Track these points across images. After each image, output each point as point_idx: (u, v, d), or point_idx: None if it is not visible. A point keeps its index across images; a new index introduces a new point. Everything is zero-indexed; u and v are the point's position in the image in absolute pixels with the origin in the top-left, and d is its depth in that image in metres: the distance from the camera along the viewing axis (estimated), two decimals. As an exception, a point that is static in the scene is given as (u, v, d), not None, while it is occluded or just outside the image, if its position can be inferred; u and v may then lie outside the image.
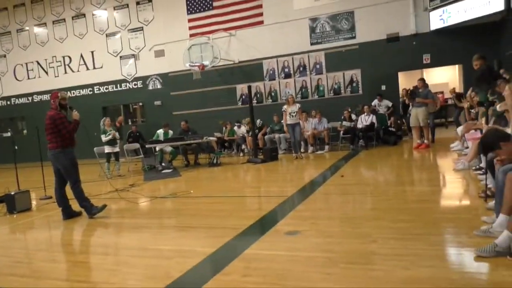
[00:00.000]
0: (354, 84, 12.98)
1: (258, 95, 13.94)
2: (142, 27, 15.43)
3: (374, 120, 10.93)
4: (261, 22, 13.79)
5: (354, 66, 12.88)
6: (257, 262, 3.55)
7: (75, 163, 5.81)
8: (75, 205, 6.00)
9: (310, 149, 11.51)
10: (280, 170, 9.10)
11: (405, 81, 13.95)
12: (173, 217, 5.54)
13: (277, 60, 13.70)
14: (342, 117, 11.73)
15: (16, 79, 18.02)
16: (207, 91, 14.50)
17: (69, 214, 5.93)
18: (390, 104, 12.11)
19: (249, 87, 10.79)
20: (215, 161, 10.47)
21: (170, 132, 11.48)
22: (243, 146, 12.55)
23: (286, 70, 13.63)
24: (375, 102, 12.07)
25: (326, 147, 11.43)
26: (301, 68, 13.48)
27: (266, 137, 12.02)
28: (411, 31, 12.16)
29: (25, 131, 17.93)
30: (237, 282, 3.17)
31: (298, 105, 10.27)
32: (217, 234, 4.48)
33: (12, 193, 6.76)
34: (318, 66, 13.30)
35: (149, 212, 6.06)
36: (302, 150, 11.15)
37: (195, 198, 6.65)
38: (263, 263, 3.50)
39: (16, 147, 16.47)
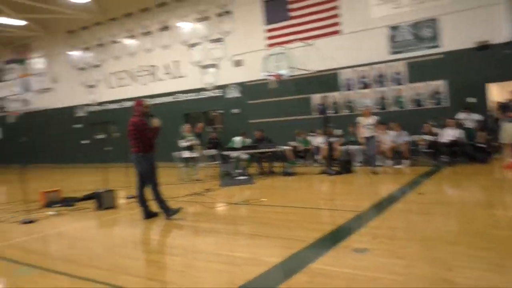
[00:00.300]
0: (438, 96, 12.26)
1: (334, 105, 13.73)
2: (222, 38, 16.00)
3: (460, 135, 10.21)
4: (338, 32, 13.60)
5: (438, 76, 12.16)
6: (321, 277, 3.50)
7: (154, 167, 6.18)
8: (154, 206, 6.37)
9: (388, 163, 11.06)
10: (355, 183, 8.87)
11: (496, 93, 12.88)
12: (245, 224, 5.65)
13: (354, 70, 13.41)
14: (423, 131, 11.13)
15: (109, 86, 19.63)
16: (282, 101, 14.60)
17: (148, 213, 6.31)
18: (479, 117, 11.23)
19: (324, 97, 10.67)
20: (288, 170, 10.48)
21: (248, 140, 11.72)
22: (317, 157, 12.41)
23: (364, 80, 13.28)
24: (462, 115, 11.28)
25: (406, 161, 10.91)
26: (379, 79, 13.05)
27: (342, 148, 11.78)
28: (504, 39, 11.21)
29: (114, 134, 19.40)
30: (299, 295, 3.15)
31: (375, 117, 10.03)
32: (285, 245, 4.50)
33: (100, 191, 7.36)
34: (398, 76, 12.78)
35: (222, 217, 6.24)
36: (378, 163, 10.77)
37: (267, 207, 6.73)
38: (326, 279, 3.45)
39: (108, 149, 18.00)
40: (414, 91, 12.55)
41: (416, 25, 12.37)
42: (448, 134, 10.47)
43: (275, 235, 4.98)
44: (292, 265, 3.88)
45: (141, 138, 6.04)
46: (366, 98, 13.23)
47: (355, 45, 13.23)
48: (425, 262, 3.70)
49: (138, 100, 6.32)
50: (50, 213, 7.11)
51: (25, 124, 23.01)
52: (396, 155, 11.37)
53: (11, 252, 4.88)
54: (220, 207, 6.97)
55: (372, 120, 9.87)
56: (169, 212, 6.16)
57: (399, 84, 12.74)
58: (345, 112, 13.55)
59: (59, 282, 3.77)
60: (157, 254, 4.61)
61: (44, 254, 4.78)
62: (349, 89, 13.52)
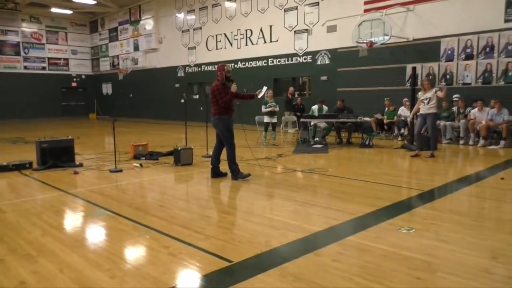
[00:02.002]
0: (556, 71, 10.74)
1: (431, 77, 12.79)
2: (318, 2, 15.62)
3: None
4: (445, -5, 12.43)
5: (559, 48, 10.62)
6: (353, 250, 3.54)
7: (230, 129, 6.50)
8: (224, 167, 6.79)
9: (481, 142, 10.16)
10: (432, 161, 8.36)
11: None
12: (301, 191, 5.77)
13: (458, 39, 12.23)
14: (530, 110, 9.96)
15: (207, 49, 20.54)
16: (375, 69, 13.99)
17: (216, 173, 6.75)
18: None
19: (414, 68, 10.02)
20: (367, 142, 10.23)
21: (325, 108, 11.61)
22: (403, 130, 11.84)
23: (468, 50, 12.08)
24: None
25: (502, 142, 9.92)
26: (487, 49, 11.75)
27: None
28: None
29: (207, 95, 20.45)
30: (323, 264, 3.25)
31: (435, 89, 8.58)
32: (332, 216, 4.55)
33: (179, 148, 8.00)
34: (510, 47, 11.40)
35: (283, 183, 6.42)
36: (471, 142, 10.01)
37: (329, 177, 6.75)
38: (357, 253, 3.48)
39: (201, 108, 19.07)
40: (526, 65, 11.15)
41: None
42: (560, 116, 9.22)
43: (327, 205, 5.03)
44: (330, 236, 3.95)
45: (217, 102, 6.38)
46: (468, 70, 12.11)
47: (463, 11, 12.03)
48: (470, 249, 3.51)
49: (221, 64, 6.60)
50: (135, 164, 7.95)
51: (131, 81, 25.29)
52: (494, 134, 10.39)
53: (94, 196, 5.66)
54: (285, 173, 7.15)
55: (430, 93, 8.49)
56: (237, 175, 6.51)
57: (510, 56, 11.38)
58: (442, 84, 12.56)
59: (123, 226, 4.33)
60: (212, 210, 4.98)
61: (119, 200, 5.44)
62: (450, 60, 12.46)
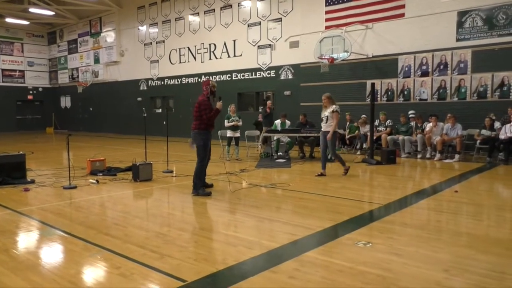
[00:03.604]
0: (505, 88, 11.34)
1: (389, 93, 13.22)
2: (281, 18, 15.90)
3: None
4: (402, 15, 12.94)
5: (508, 67, 11.23)
6: (309, 266, 3.52)
7: (206, 145, 6.57)
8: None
9: (438, 156, 10.54)
10: (391, 175, 8.57)
11: None
12: (259, 206, 5.74)
13: (414, 56, 12.74)
14: (482, 125, 10.43)
15: (171, 62, 20.39)
16: (336, 85, 14.29)
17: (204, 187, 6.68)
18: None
19: (373, 84, 10.33)
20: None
21: (288, 122, 11.73)
22: (364, 145, 12.11)
23: (424, 67, 12.59)
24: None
25: (457, 156, 10.32)
26: (441, 66, 12.30)
27: (389, 138, 11.40)
28: None
29: (171, 109, 20.20)
30: (279, 282, 3.22)
31: (333, 107, 8.15)
32: (291, 231, 4.54)
33: (138, 163, 7.81)
34: (462, 65, 11.96)
35: (241, 198, 6.38)
36: (428, 156, 10.41)
37: (289, 191, 6.76)
38: (313, 269, 3.47)
39: (164, 122, 18.80)
40: (478, 82, 11.72)
41: (490, 10, 11.42)
42: (509, 131, 9.71)
43: (287, 220, 5.02)
44: (288, 252, 3.93)
45: (201, 117, 6.41)
46: (424, 86, 12.60)
47: (419, 30, 12.56)
48: (423, 262, 3.58)
49: (207, 79, 6.79)
50: (91, 181, 7.69)
51: (91, 95, 24.67)
52: (449, 148, 10.81)
53: (44, 214, 5.40)
54: (247, 188, 7.11)
55: (327, 112, 8.19)
56: (198, 191, 6.45)
57: (462, 73, 11.95)
58: (399, 100, 13.01)
59: (73, 246, 4.14)
60: (169, 227, 4.85)
61: (72, 218, 5.22)
62: (407, 76, 12.93)
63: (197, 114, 6.44)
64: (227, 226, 4.86)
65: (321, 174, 8.29)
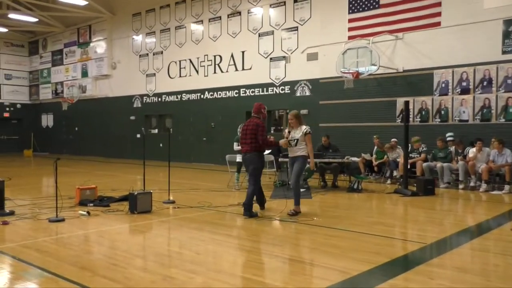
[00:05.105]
0: (560, 108, 11.28)
1: (423, 112, 13.18)
2: (297, 27, 16.07)
3: None
4: (438, 24, 13.02)
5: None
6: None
7: (263, 167, 7.69)
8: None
9: (483, 186, 10.41)
10: (431, 208, 8.45)
11: None
12: (279, 245, 5.64)
13: (453, 71, 12.75)
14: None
15: (169, 76, 20.60)
16: (362, 103, 14.33)
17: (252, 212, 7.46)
18: None
19: (406, 103, 10.31)
20: (355, 186, 10.28)
21: (308, 147, 11.69)
22: (395, 173, 12.01)
23: (464, 84, 12.58)
24: None
25: (507, 187, 10.19)
26: (484, 83, 12.28)
27: (425, 165, 11.30)
28: None
29: (169, 129, 20.29)
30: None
31: (305, 128, 7.80)
32: (320, 275, 4.45)
33: (135, 193, 7.76)
34: (509, 81, 11.93)
35: (257, 234, 6.30)
36: (472, 184, 10.34)
37: (314, 227, 6.66)
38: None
39: (161, 145, 18.84)
40: (528, 100, 11.68)
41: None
42: None
43: (308, 261, 4.97)
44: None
45: (257, 138, 7.39)
46: (465, 105, 12.55)
47: (457, 41, 12.61)
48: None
49: (260, 103, 7.84)
50: (81, 212, 7.63)
51: (77, 112, 24.83)
52: (497, 178, 10.70)
53: (27, 252, 5.32)
54: (262, 222, 7.03)
55: (298, 135, 7.76)
56: (252, 213, 7.33)
57: (510, 91, 11.91)
58: (436, 121, 12.96)
59: (67, 290, 4.07)
60: (176, 269, 4.75)
61: (60, 257, 5.13)
62: (444, 94, 12.91)
63: (253, 136, 7.39)
64: (246, 268, 4.77)
65: (295, 212, 7.57)
